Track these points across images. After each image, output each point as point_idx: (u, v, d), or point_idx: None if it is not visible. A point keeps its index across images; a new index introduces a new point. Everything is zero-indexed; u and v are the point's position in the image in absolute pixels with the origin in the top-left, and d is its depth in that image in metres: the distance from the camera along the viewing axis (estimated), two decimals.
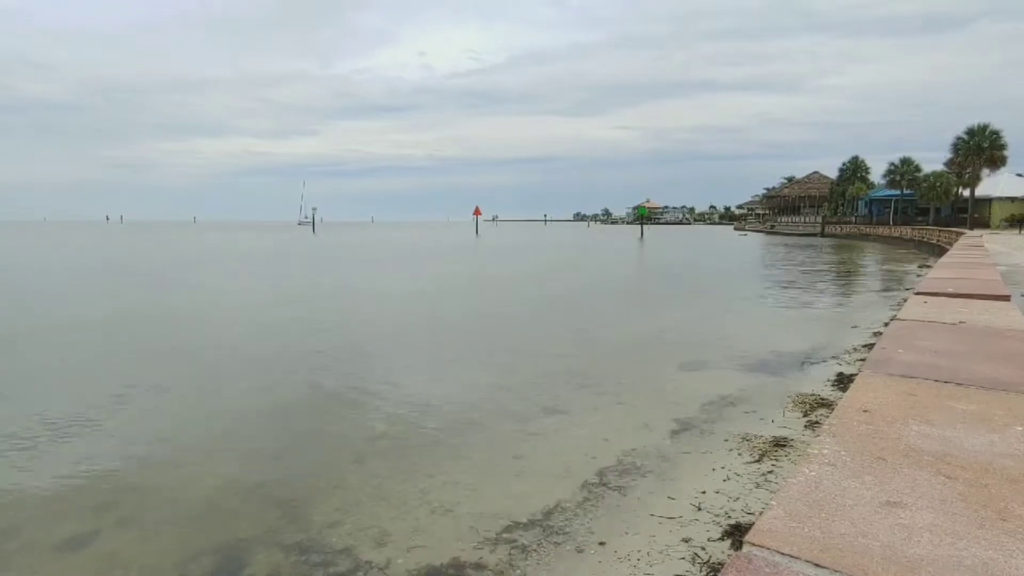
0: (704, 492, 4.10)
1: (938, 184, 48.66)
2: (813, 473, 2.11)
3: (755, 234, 76.87)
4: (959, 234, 30.38)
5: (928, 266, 19.16)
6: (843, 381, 6.45)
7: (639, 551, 3.41)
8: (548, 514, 4.03)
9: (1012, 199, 47.95)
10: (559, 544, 3.65)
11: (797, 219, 76.94)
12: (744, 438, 5.09)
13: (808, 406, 5.82)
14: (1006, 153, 45.15)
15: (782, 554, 1.61)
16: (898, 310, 6.39)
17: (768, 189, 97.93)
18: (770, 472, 4.33)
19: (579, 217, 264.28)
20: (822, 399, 5.99)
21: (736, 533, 3.39)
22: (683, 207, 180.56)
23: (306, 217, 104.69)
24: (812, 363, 8.00)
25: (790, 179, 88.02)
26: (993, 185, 48.64)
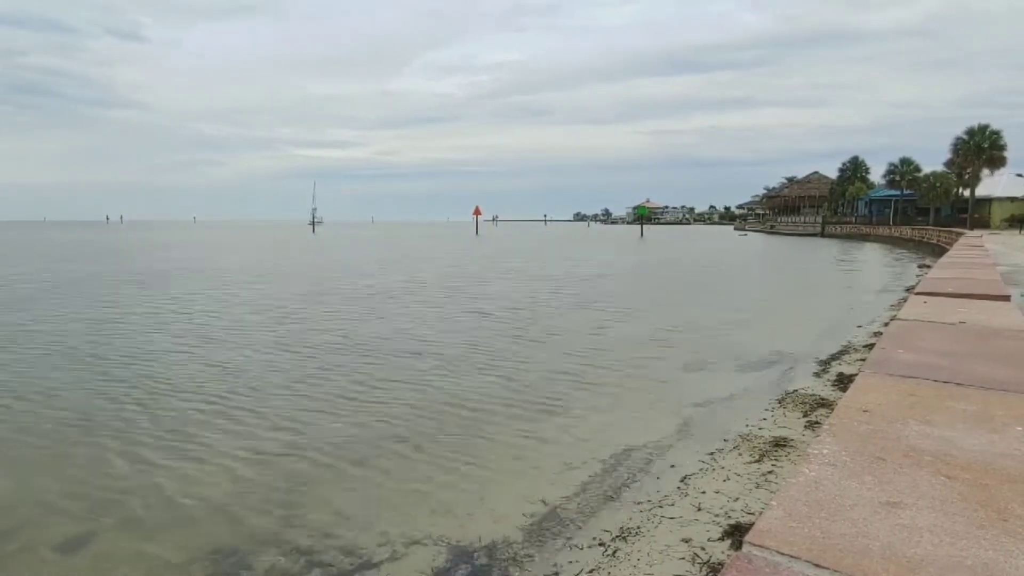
0: (704, 492, 4.09)
1: (938, 184, 48.70)
2: (813, 473, 2.11)
3: (755, 234, 76.88)
4: (959, 234, 30.40)
5: (928, 266, 19.16)
6: (843, 381, 6.44)
7: (639, 551, 3.40)
8: (548, 515, 4.03)
9: (1012, 199, 47.96)
10: (559, 544, 3.65)
11: (797, 219, 76.97)
12: (744, 438, 5.09)
13: (808, 406, 5.81)
14: (1006, 153, 45.21)
15: (782, 554, 1.61)
16: (898, 310, 6.39)
17: (768, 189, 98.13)
18: (770, 472, 4.33)
19: (579, 217, 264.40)
20: (822, 399, 5.98)
21: (736, 533, 3.39)
22: (683, 207, 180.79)
23: (318, 218, 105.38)
24: (812, 363, 8.00)
25: (791, 179, 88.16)
26: (993, 185, 48.64)
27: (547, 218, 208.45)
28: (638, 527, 3.70)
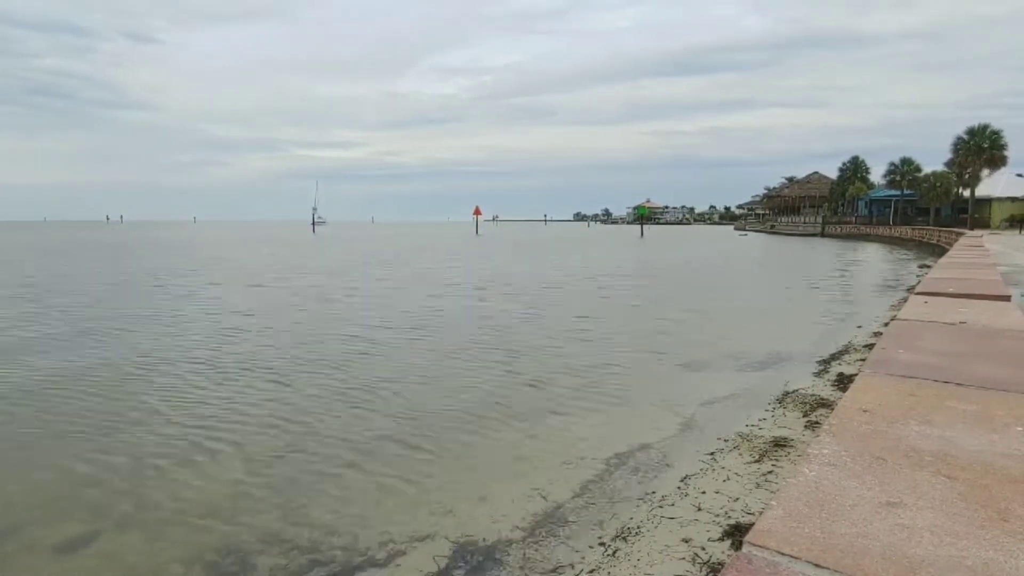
0: (704, 492, 4.09)
1: (938, 184, 48.62)
2: (813, 473, 2.11)
3: (755, 234, 76.90)
4: (959, 234, 30.40)
5: (928, 266, 19.16)
6: (843, 381, 6.44)
7: (639, 551, 3.40)
8: (548, 514, 4.03)
9: (1012, 199, 47.92)
10: (559, 544, 3.65)
11: (797, 219, 76.96)
12: (744, 438, 5.09)
13: (808, 406, 5.81)
14: (1006, 153, 45.12)
15: (782, 554, 1.61)
16: (898, 310, 6.39)
17: (768, 189, 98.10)
18: (770, 472, 4.33)
19: (579, 217, 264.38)
20: (822, 399, 5.98)
21: (736, 533, 3.39)
22: (683, 207, 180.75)
23: (320, 218, 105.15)
24: (812, 363, 8.00)
25: (791, 179, 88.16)
26: (993, 185, 48.59)
27: (547, 218, 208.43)
28: (638, 527, 3.70)
